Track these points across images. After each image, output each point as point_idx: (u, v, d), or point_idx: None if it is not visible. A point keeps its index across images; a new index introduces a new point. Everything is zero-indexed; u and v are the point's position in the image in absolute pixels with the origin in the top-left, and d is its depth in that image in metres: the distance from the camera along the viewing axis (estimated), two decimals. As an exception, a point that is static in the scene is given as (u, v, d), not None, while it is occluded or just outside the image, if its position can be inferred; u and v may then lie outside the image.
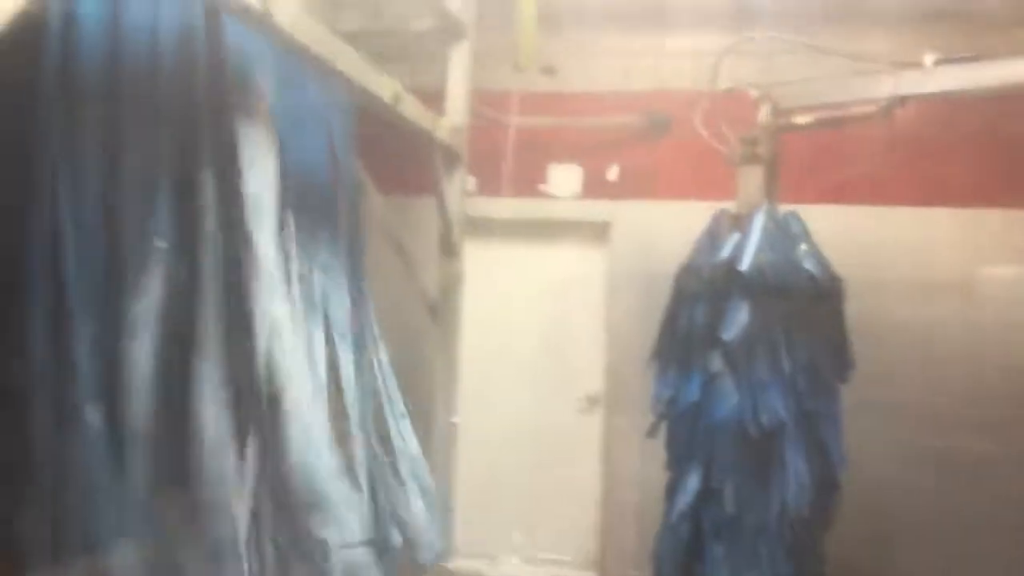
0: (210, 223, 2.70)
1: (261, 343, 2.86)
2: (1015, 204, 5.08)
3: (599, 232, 5.70)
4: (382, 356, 4.36)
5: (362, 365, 4.44)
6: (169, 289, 2.60)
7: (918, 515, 5.07)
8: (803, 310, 3.89)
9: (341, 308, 4.50)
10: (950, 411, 5.08)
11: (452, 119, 4.78)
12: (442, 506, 4.83)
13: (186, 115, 2.69)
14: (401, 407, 4.56)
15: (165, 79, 2.62)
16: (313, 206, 3.82)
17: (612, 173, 5.66)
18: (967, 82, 4.10)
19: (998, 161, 5.10)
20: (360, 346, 4.26)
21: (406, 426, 4.37)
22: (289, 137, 3.20)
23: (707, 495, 3.88)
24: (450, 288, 4.93)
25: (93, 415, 2.39)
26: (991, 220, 5.15)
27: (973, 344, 5.09)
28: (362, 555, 3.11)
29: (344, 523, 3.03)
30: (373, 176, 4.81)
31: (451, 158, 4.85)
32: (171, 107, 2.66)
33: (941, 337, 5.13)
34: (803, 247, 4.04)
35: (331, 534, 2.95)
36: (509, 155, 5.40)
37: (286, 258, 3.16)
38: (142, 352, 2.53)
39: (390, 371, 4.53)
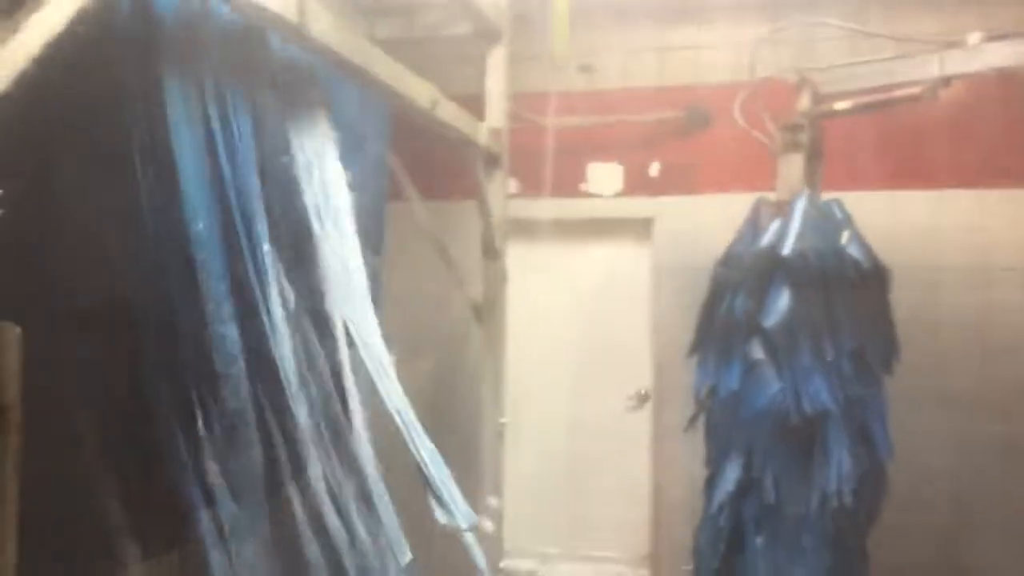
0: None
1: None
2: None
3: (642, 228, 5.70)
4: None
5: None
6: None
7: (973, 506, 4.96)
8: (847, 297, 3.84)
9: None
10: (1007, 400, 4.96)
11: (491, 122, 4.81)
12: (494, 508, 4.88)
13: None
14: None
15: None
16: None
17: (653, 169, 5.65)
18: (1015, 58, 4.01)
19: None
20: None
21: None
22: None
23: (747, 486, 3.84)
24: (494, 290, 4.96)
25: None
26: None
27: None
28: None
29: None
30: (416, 183, 4.89)
31: (491, 161, 4.88)
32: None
33: (998, 324, 5.02)
34: (846, 233, 3.98)
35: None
36: (549, 156, 5.42)
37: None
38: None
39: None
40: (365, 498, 2.94)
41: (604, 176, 5.71)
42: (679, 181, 5.57)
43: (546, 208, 5.47)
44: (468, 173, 4.78)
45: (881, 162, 5.18)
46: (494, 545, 4.86)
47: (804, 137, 4.18)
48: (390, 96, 3.64)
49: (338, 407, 2.93)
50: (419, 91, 3.80)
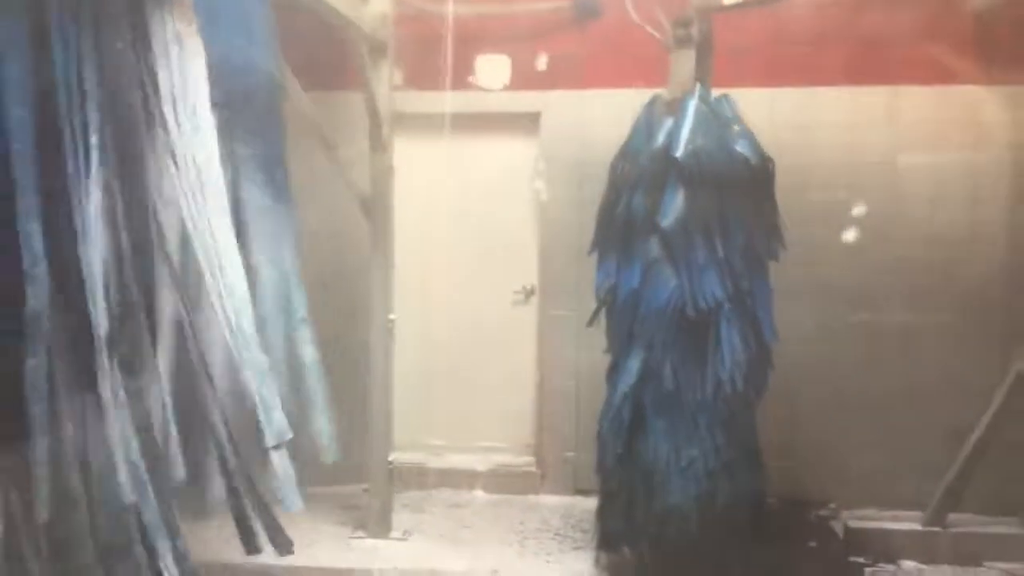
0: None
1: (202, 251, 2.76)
2: (942, 80, 5.18)
3: (530, 123, 5.64)
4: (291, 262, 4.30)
5: (282, 268, 4.36)
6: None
7: (846, 386, 5.33)
8: (737, 193, 3.95)
9: (261, 212, 4.40)
10: (876, 285, 5.30)
11: (377, 7, 4.60)
12: (383, 404, 4.90)
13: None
14: (303, 313, 4.54)
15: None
16: (234, 102, 3.66)
17: (541, 62, 5.56)
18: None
19: (924, 38, 5.15)
20: (276, 250, 4.17)
21: (305, 333, 4.33)
22: (207, 29, 3.03)
23: (648, 375, 4.00)
24: (381, 184, 4.85)
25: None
26: (919, 97, 5.25)
27: (899, 220, 5.27)
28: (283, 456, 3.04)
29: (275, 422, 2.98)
30: (296, 70, 4.64)
31: (377, 49, 4.69)
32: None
33: (869, 215, 5.29)
34: (735, 129, 4.06)
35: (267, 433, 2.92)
36: (437, 46, 5.24)
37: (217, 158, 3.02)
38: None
39: (297, 278, 4.47)
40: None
41: (492, 69, 5.58)
42: (568, 75, 5.51)
43: (433, 101, 5.32)
44: (352, 61, 4.58)
45: (764, 59, 5.27)
46: (382, 440, 4.90)
47: (695, 32, 4.18)
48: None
49: (141, 318, 2.76)
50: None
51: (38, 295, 2.43)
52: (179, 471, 2.99)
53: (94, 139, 2.53)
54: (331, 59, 4.98)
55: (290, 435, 2.99)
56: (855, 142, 5.29)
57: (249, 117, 4.27)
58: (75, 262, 2.52)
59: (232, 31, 3.43)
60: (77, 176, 2.50)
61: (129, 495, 2.60)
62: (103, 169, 2.57)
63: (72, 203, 2.51)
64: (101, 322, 2.57)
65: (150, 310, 2.78)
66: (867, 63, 5.23)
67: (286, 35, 4.50)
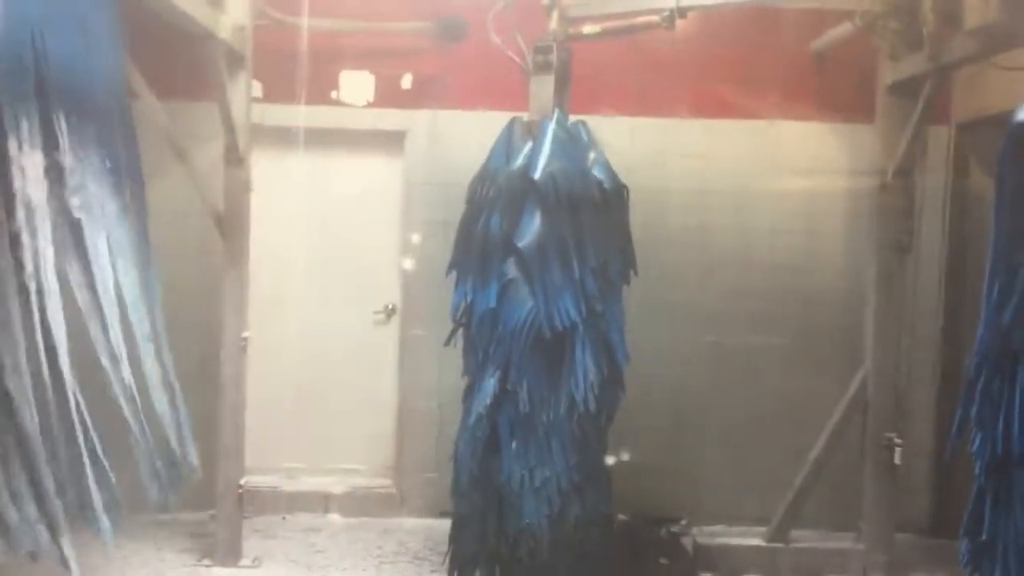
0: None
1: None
2: (785, 116, 5.48)
3: (394, 142, 5.62)
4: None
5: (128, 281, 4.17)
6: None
7: (696, 407, 5.52)
8: (592, 216, 4.04)
9: (117, 221, 4.20)
10: (724, 310, 5.52)
11: (235, 17, 4.49)
12: (235, 425, 4.73)
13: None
14: (148, 329, 4.35)
15: None
16: (81, 108, 3.48)
17: (406, 81, 5.55)
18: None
19: (770, 76, 5.45)
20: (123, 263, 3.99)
21: (149, 349, 4.17)
22: (45, 30, 2.87)
23: (503, 397, 4.02)
24: (237, 199, 4.72)
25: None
26: (763, 132, 5.53)
27: (744, 248, 5.52)
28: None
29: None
30: (150, 79, 4.46)
31: (234, 60, 4.58)
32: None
33: (717, 242, 5.53)
34: (592, 155, 4.16)
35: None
36: (298, 59, 5.15)
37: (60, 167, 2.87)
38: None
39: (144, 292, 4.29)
40: None
41: (356, 85, 5.53)
42: (433, 95, 5.53)
43: (294, 115, 5.22)
44: (208, 72, 4.45)
45: (621, 89, 5.45)
46: (233, 463, 4.74)
47: (554, 58, 4.27)
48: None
49: None
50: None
51: None
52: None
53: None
54: (188, 69, 4.81)
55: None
56: (707, 172, 5.52)
57: (94, 125, 4.07)
58: None
59: (72, 37, 3.27)
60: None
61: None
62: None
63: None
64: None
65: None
66: (719, 98, 5.48)
67: (140, 43, 4.32)
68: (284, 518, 5.47)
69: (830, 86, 5.42)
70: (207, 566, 4.69)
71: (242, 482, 4.78)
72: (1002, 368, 3.13)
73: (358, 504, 5.61)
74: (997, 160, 3.27)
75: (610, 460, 4.35)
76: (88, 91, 3.50)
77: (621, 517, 5.08)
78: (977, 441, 3.23)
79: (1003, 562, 3.12)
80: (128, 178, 4.26)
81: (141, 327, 4.31)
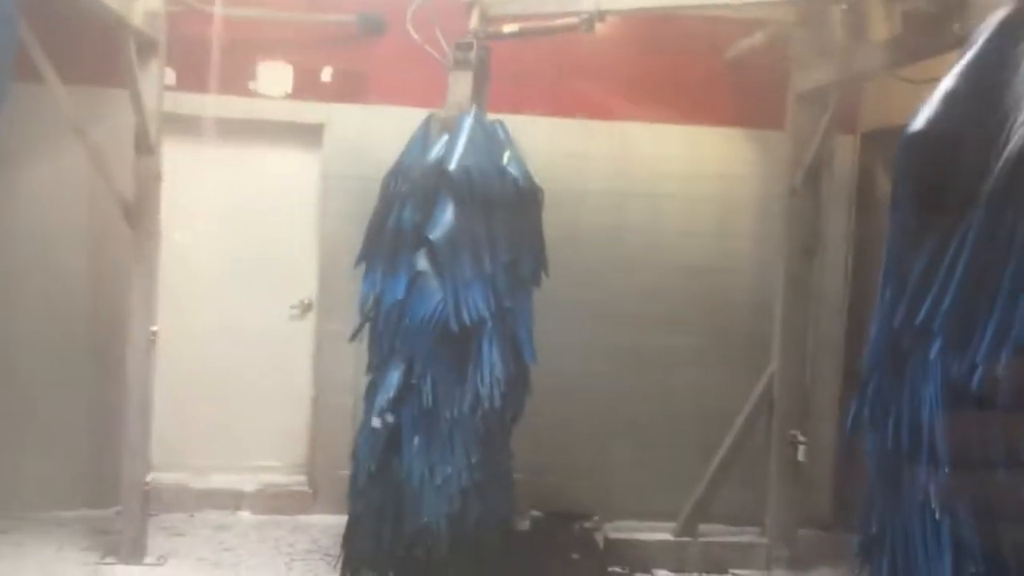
0: None
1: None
2: (700, 121, 5.59)
3: (312, 135, 5.55)
4: None
5: None
6: None
7: (608, 405, 5.57)
8: (505, 213, 4.07)
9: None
10: (637, 310, 5.59)
11: (147, 3, 4.39)
12: (141, 420, 4.63)
13: None
14: None
15: None
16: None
17: (325, 74, 5.50)
18: (666, 1, 4.43)
19: (686, 81, 5.55)
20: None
21: None
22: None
23: (407, 391, 4.00)
24: (147, 189, 4.61)
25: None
26: (678, 136, 5.62)
27: (656, 249, 5.60)
28: None
29: None
30: (59, 64, 4.32)
31: (146, 46, 4.48)
32: None
33: (628, 243, 5.60)
34: (508, 154, 4.19)
35: None
36: (214, 48, 5.06)
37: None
38: None
39: None
40: None
41: (274, 76, 5.45)
42: (352, 88, 5.48)
43: (209, 105, 5.12)
44: (119, 58, 4.33)
45: (540, 89, 5.49)
46: (138, 459, 4.62)
47: (473, 56, 4.29)
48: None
49: None
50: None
51: None
52: None
53: None
54: (99, 54, 4.67)
55: None
56: (622, 174, 5.59)
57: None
58: None
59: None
60: None
61: None
62: None
63: None
64: None
65: None
66: (635, 102, 5.55)
67: (49, 26, 4.18)
68: (192, 515, 5.35)
69: (743, 93, 5.54)
70: (110, 564, 4.57)
71: (148, 479, 4.67)
72: (892, 368, 3.25)
73: (270, 501, 5.53)
74: (892, 167, 3.40)
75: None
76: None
77: (534, 513, 5.14)
78: (870, 439, 3.35)
79: (891, 553, 3.24)
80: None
81: None
